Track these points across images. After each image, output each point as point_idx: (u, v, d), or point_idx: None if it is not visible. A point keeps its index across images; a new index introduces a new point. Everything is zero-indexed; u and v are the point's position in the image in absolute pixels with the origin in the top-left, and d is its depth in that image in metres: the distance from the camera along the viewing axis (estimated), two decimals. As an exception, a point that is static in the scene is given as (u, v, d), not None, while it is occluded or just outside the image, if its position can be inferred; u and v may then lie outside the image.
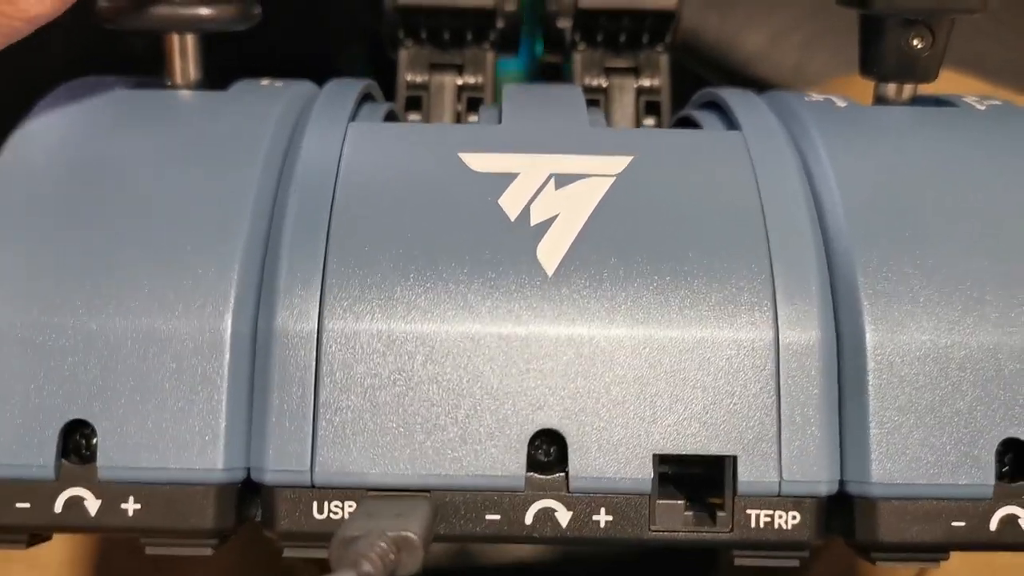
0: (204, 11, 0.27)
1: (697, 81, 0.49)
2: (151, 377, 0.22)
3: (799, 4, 0.47)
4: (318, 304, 0.23)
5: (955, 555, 0.39)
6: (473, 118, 0.36)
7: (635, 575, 0.49)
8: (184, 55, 0.28)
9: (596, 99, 0.36)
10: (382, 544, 0.18)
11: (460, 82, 0.36)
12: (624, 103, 0.36)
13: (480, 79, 0.36)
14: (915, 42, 0.27)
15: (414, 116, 0.36)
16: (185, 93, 0.28)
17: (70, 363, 0.22)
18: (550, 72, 0.43)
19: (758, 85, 0.49)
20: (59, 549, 0.39)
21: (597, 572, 0.49)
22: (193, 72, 0.28)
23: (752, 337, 0.23)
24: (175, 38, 0.28)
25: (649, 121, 0.36)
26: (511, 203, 0.24)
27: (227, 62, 0.31)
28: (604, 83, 0.36)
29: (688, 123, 0.30)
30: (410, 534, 0.19)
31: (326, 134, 0.25)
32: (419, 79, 0.36)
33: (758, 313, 0.23)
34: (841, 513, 0.23)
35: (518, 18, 0.37)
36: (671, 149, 0.26)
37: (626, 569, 0.49)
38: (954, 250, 0.23)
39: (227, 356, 0.22)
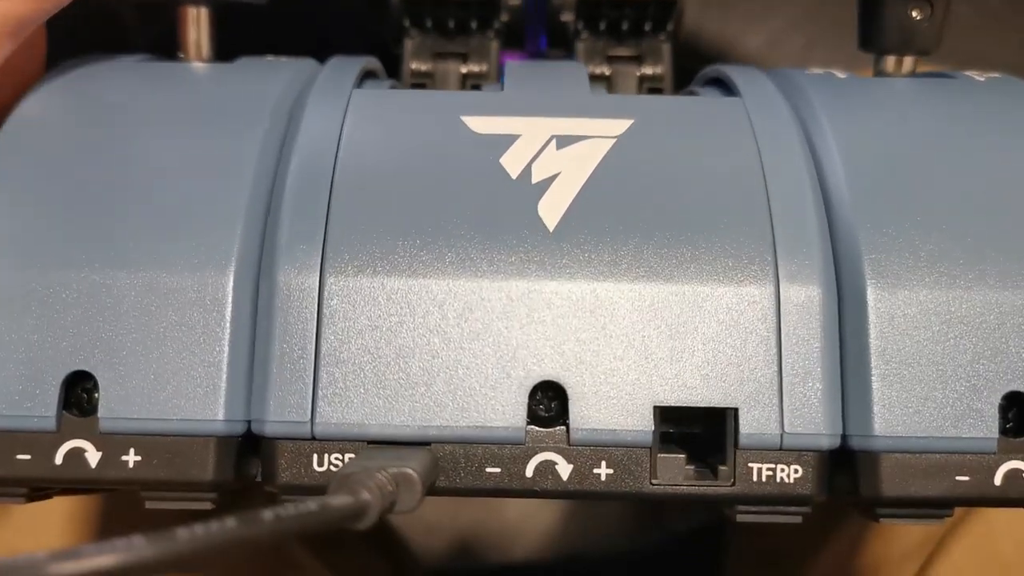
0: None
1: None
2: (153, 330, 0.22)
3: (799, 6, 0.47)
4: (320, 259, 0.23)
5: (959, 547, 0.39)
6: None
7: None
8: (199, 28, 0.28)
9: (599, 86, 0.37)
10: (381, 476, 0.18)
11: (465, 70, 0.37)
12: (627, 90, 0.36)
13: (484, 67, 0.37)
14: (914, 13, 0.28)
15: None
16: (190, 64, 0.28)
17: (73, 315, 0.22)
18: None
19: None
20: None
21: (602, 573, 0.48)
22: (206, 48, 0.29)
23: (753, 291, 0.23)
24: (191, 10, 0.28)
25: None
26: (512, 162, 0.24)
27: (223, 58, 0.31)
28: (607, 71, 0.37)
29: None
30: (409, 470, 0.19)
31: (330, 99, 0.26)
32: (424, 67, 0.37)
33: (759, 267, 0.23)
34: (844, 470, 0.23)
35: (522, 12, 0.38)
36: (672, 113, 0.26)
37: (632, 570, 0.48)
38: (954, 208, 0.23)
39: (229, 309, 0.22)
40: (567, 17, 0.37)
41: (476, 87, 0.37)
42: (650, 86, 0.37)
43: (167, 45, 0.32)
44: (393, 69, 0.37)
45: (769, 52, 0.47)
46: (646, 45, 0.37)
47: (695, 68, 0.47)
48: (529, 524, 0.47)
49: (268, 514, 0.15)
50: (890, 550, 0.39)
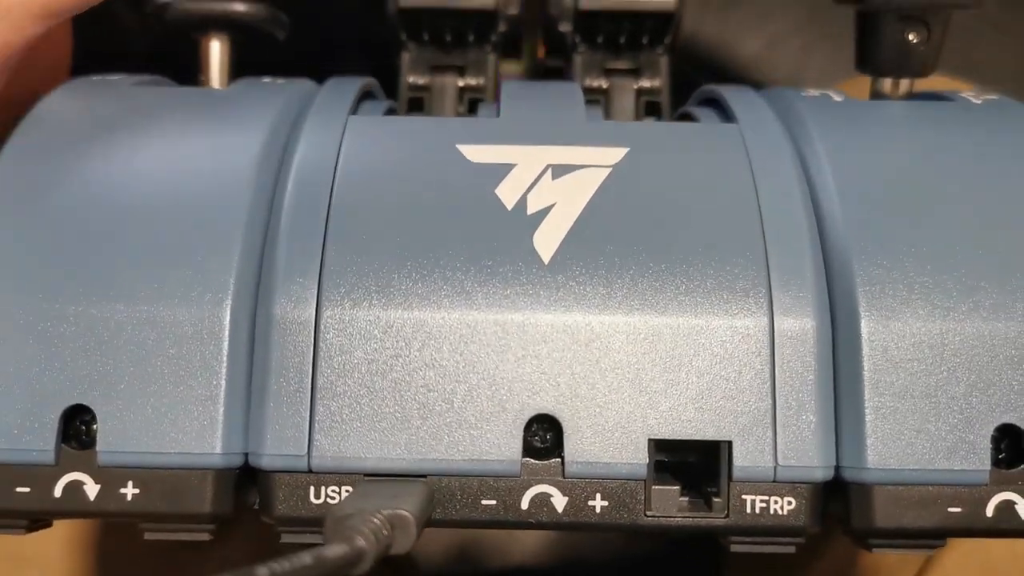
0: (238, 7, 0.28)
1: (697, 86, 0.49)
2: (150, 363, 0.22)
3: (797, 9, 0.47)
4: (316, 291, 0.23)
5: (953, 556, 0.39)
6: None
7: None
8: (222, 61, 0.30)
9: (596, 100, 0.37)
10: (376, 520, 0.18)
11: (462, 83, 0.37)
12: (624, 104, 0.36)
13: (482, 80, 0.37)
14: (911, 36, 0.28)
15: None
16: (187, 89, 0.28)
17: (71, 349, 0.22)
18: (552, 77, 0.44)
19: (756, 90, 0.49)
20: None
21: (601, 574, 0.49)
22: (225, 76, 0.30)
23: (747, 324, 0.23)
24: (215, 43, 0.29)
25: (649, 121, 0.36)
26: (508, 193, 0.24)
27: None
28: (604, 84, 0.37)
29: (687, 120, 0.30)
30: (404, 512, 0.19)
31: (326, 126, 0.26)
32: (421, 81, 0.37)
33: (753, 300, 0.23)
34: (838, 501, 0.23)
35: (520, 22, 0.38)
36: (667, 140, 0.26)
37: (630, 574, 0.49)
38: (949, 238, 0.24)
39: (226, 343, 0.22)
40: (564, 27, 0.37)
41: (473, 101, 0.37)
42: (648, 99, 0.37)
43: (166, 47, 0.33)
44: (391, 76, 0.37)
45: (768, 56, 0.46)
46: (644, 58, 0.37)
47: (693, 73, 0.47)
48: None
49: (263, 570, 0.15)
50: (886, 556, 0.39)
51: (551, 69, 0.42)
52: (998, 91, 0.45)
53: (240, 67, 0.32)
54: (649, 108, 0.37)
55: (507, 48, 0.38)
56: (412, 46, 0.37)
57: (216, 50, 0.31)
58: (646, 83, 0.37)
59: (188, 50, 0.33)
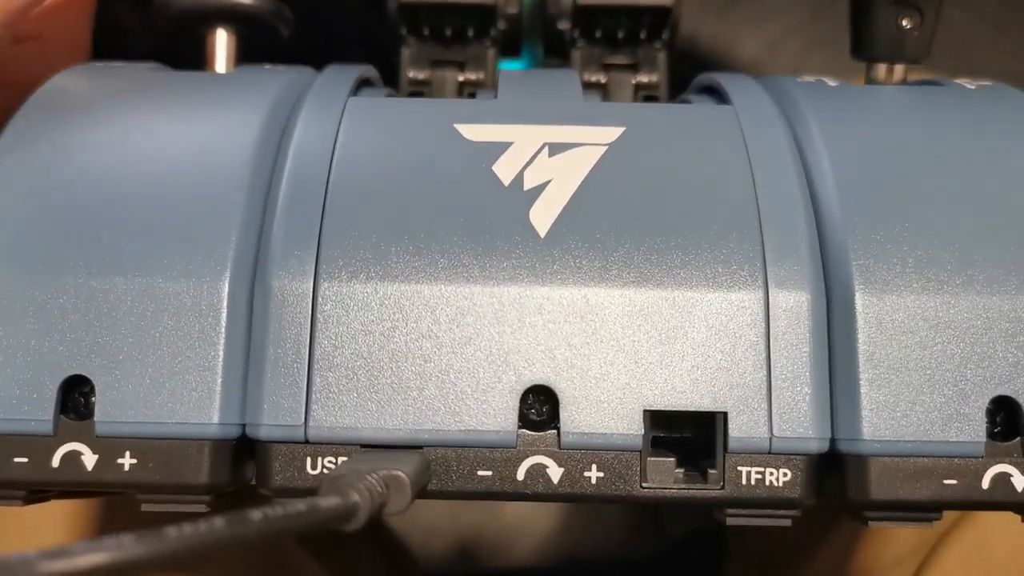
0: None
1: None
2: (149, 335, 0.23)
3: (796, 11, 0.48)
4: (314, 265, 0.23)
5: (953, 555, 0.39)
6: None
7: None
8: (229, 52, 0.30)
9: (594, 93, 0.37)
10: (371, 478, 0.18)
11: (462, 78, 0.37)
12: (622, 98, 0.37)
13: (482, 75, 0.37)
14: (904, 22, 0.28)
15: None
16: (187, 73, 0.29)
17: (70, 321, 0.23)
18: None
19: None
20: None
21: (602, 573, 0.48)
22: (231, 68, 0.30)
23: (742, 296, 0.23)
24: (221, 33, 0.30)
25: None
26: (505, 170, 0.24)
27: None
28: (603, 79, 0.37)
29: None
30: (399, 472, 0.19)
31: (325, 106, 0.26)
32: (421, 75, 0.37)
33: (748, 273, 0.23)
34: (834, 475, 0.23)
35: (519, 20, 0.38)
36: (663, 120, 0.26)
37: (630, 573, 0.48)
38: (942, 212, 0.24)
39: (224, 315, 0.23)
40: (563, 25, 0.38)
41: (473, 95, 0.37)
42: (646, 94, 0.37)
43: (166, 47, 0.33)
44: (390, 73, 0.38)
45: (767, 57, 0.47)
46: (642, 53, 0.37)
47: (693, 74, 0.47)
48: (528, 527, 0.47)
49: (257, 514, 0.15)
50: (883, 555, 0.39)
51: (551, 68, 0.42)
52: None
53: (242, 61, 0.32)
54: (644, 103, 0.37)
55: (507, 47, 0.39)
56: (412, 41, 0.37)
57: (222, 41, 0.31)
58: (644, 78, 0.37)
59: (188, 49, 0.33)
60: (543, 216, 0.24)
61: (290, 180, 0.24)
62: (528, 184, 0.24)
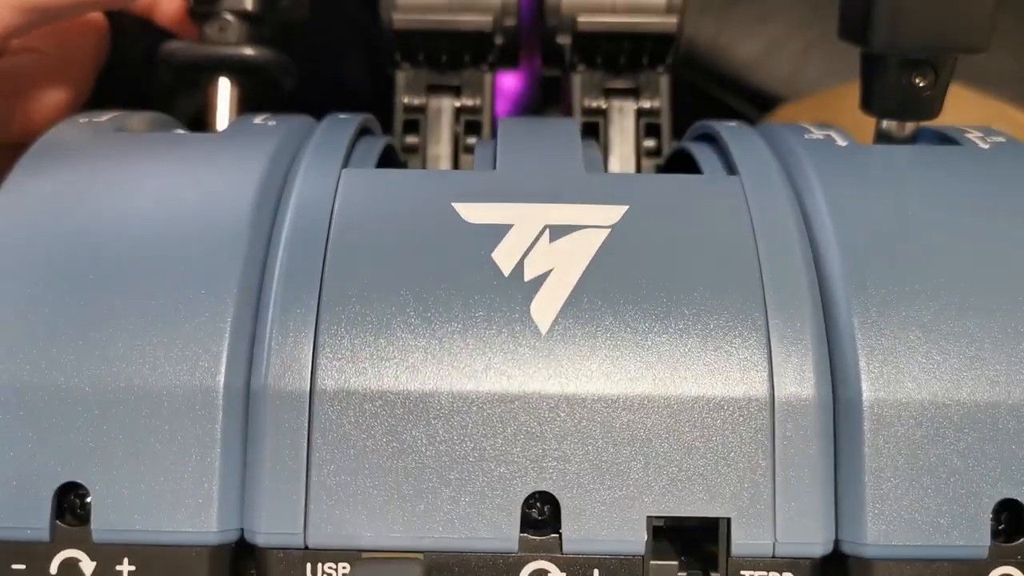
0: (251, 51, 0.29)
1: (695, 89, 0.48)
2: (144, 439, 0.22)
3: (794, 14, 0.46)
4: (310, 363, 0.22)
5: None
6: (471, 140, 0.36)
7: None
8: (232, 102, 0.30)
9: (595, 121, 0.36)
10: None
11: (458, 104, 0.36)
12: (624, 126, 0.36)
13: (478, 101, 0.36)
14: (917, 80, 0.27)
15: (412, 139, 0.36)
16: (179, 135, 0.28)
17: (63, 425, 0.22)
18: (549, 85, 0.43)
19: (754, 93, 0.48)
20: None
21: None
22: (230, 120, 0.30)
23: (747, 396, 0.22)
24: (223, 82, 0.29)
25: (649, 143, 0.36)
26: (505, 257, 0.24)
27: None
28: (604, 104, 0.36)
29: (685, 156, 0.30)
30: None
31: (318, 183, 0.25)
32: (416, 101, 0.36)
33: (753, 371, 0.23)
34: (836, 570, 0.23)
35: (517, 32, 0.37)
36: (667, 198, 0.25)
37: None
38: (952, 304, 0.23)
39: (220, 416, 0.22)
40: (563, 39, 0.37)
41: (469, 123, 0.36)
42: (647, 121, 0.36)
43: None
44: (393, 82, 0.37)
45: (766, 57, 0.46)
46: (644, 78, 0.36)
47: (690, 78, 0.46)
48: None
49: None
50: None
51: (548, 79, 0.41)
52: (997, 96, 0.44)
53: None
54: (648, 130, 0.36)
55: (504, 59, 0.38)
56: (407, 66, 0.36)
57: (224, 90, 0.31)
58: (646, 103, 0.36)
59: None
60: (544, 311, 0.23)
61: (284, 269, 0.23)
62: (529, 274, 0.23)
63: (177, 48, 0.31)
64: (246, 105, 0.31)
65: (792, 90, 0.46)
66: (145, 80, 0.34)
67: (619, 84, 0.36)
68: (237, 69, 0.30)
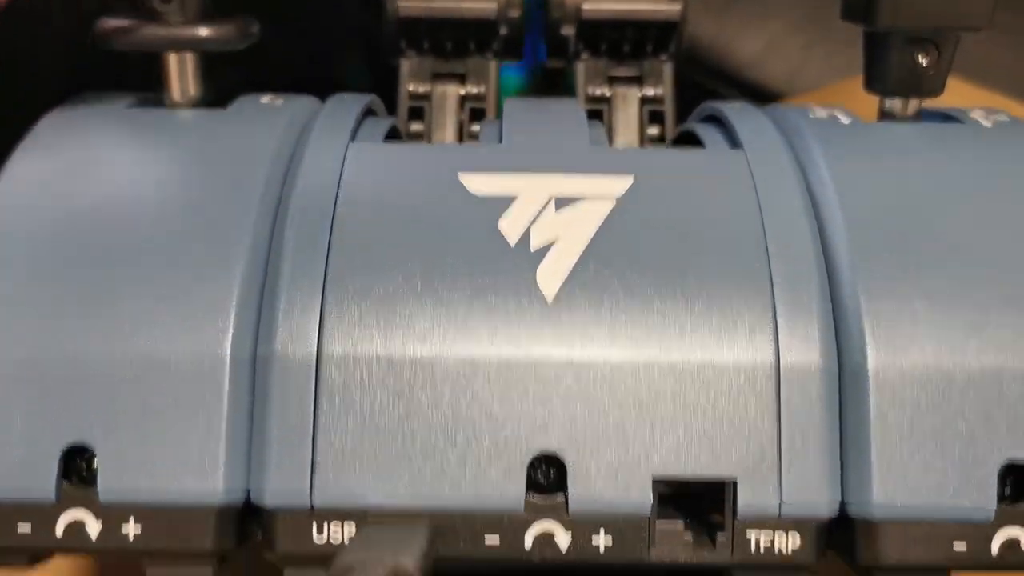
0: (203, 32, 0.26)
1: (696, 86, 0.48)
2: (151, 401, 0.22)
3: (797, 9, 0.47)
4: (317, 328, 0.23)
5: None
6: (475, 127, 0.36)
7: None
8: (183, 75, 0.28)
9: (599, 109, 0.36)
10: (379, 573, 0.18)
11: (463, 92, 0.36)
12: (628, 113, 0.36)
13: (483, 89, 0.36)
14: (920, 58, 0.27)
15: (416, 126, 0.36)
16: (184, 113, 0.28)
17: (70, 388, 0.22)
18: (552, 77, 0.43)
19: (755, 90, 0.49)
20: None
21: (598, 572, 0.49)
22: (193, 90, 0.28)
23: (753, 360, 0.23)
24: (173, 58, 0.28)
25: (653, 130, 0.36)
26: (511, 227, 0.24)
27: (225, 70, 0.31)
28: (607, 92, 0.36)
29: (690, 137, 0.30)
30: (406, 564, 0.19)
31: (325, 156, 0.25)
32: (421, 89, 0.36)
33: (759, 336, 0.23)
34: (842, 533, 0.23)
35: (522, 24, 0.37)
36: (672, 171, 0.25)
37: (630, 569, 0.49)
38: (957, 271, 0.23)
39: (226, 380, 0.22)
40: (567, 31, 0.37)
41: (474, 111, 0.36)
42: (651, 108, 0.36)
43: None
44: (393, 74, 0.37)
45: (768, 55, 0.46)
46: (647, 66, 0.36)
47: (692, 74, 0.46)
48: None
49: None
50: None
51: (553, 71, 0.41)
52: (1000, 92, 0.44)
53: (239, 72, 0.30)
54: (652, 117, 0.36)
55: (509, 50, 0.38)
56: (412, 54, 0.36)
57: (174, 64, 0.28)
58: (650, 91, 0.36)
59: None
60: (550, 279, 0.23)
61: (291, 240, 0.24)
62: (535, 243, 0.24)
63: (116, 29, 0.27)
64: (207, 71, 0.30)
65: (793, 87, 0.46)
66: (143, 83, 0.34)
67: (623, 72, 0.36)
68: (192, 49, 0.28)
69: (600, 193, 0.24)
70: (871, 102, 0.29)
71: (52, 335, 0.22)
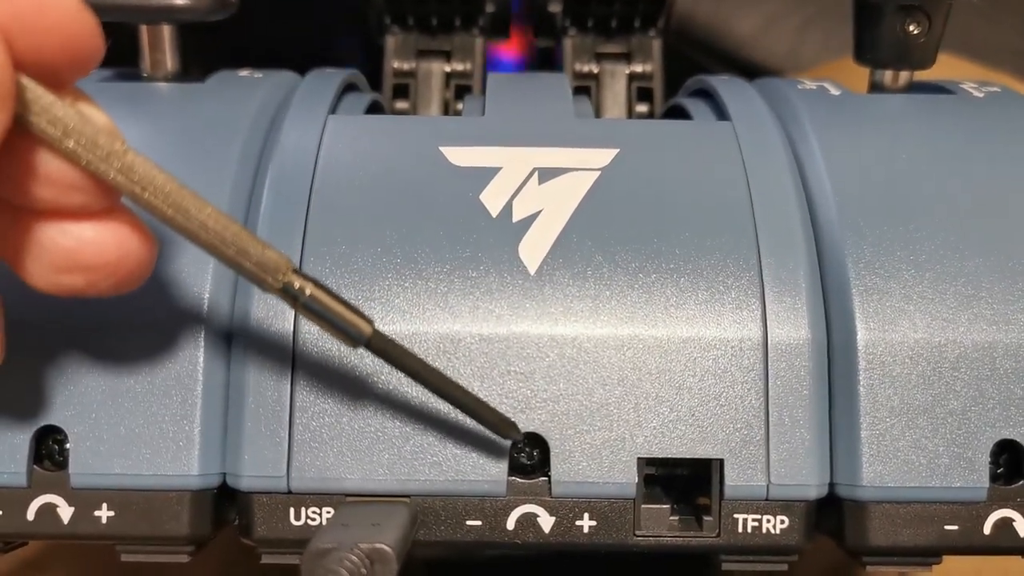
0: (177, 1, 0.26)
1: (691, 65, 0.48)
2: (123, 381, 0.22)
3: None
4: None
5: (946, 557, 0.39)
6: (461, 104, 0.36)
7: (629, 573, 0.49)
8: (158, 46, 0.27)
9: (587, 86, 0.36)
10: (354, 557, 0.18)
11: (448, 69, 0.36)
12: (616, 90, 0.35)
13: (468, 66, 0.36)
14: (911, 28, 0.26)
15: (401, 104, 0.35)
16: (161, 85, 0.27)
17: (40, 369, 0.22)
18: (541, 57, 0.43)
19: (752, 69, 0.48)
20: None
21: (589, 569, 0.48)
22: (169, 63, 0.27)
23: (740, 336, 0.22)
24: (148, 29, 0.27)
25: (641, 108, 0.36)
26: (493, 199, 0.23)
27: (211, 49, 0.30)
28: (595, 69, 0.36)
29: (679, 112, 0.29)
30: (384, 546, 0.18)
31: (304, 127, 0.25)
32: (406, 66, 0.36)
33: (746, 311, 0.22)
34: (831, 514, 0.22)
35: (508, 2, 0.37)
36: (658, 142, 0.25)
37: (628, 565, 0.48)
38: (948, 245, 0.23)
39: (201, 358, 0.22)
40: (554, 8, 0.36)
41: (460, 87, 0.36)
42: (639, 85, 0.36)
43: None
44: (380, 61, 0.36)
45: (764, 34, 0.45)
46: (635, 42, 0.36)
47: (689, 53, 0.46)
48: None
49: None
50: None
51: (541, 50, 0.41)
52: (996, 69, 0.44)
53: (226, 52, 0.30)
54: (641, 94, 0.36)
55: (496, 29, 0.37)
56: (397, 30, 0.36)
57: (144, 35, 0.27)
58: (638, 68, 0.36)
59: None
60: (533, 251, 0.23)
61: (269, 213, 0.23)
62: (517, 215, 0.23)
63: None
64: (184, 40, 0.29)
65: (790, 65, 0.46)
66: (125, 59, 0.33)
67: (611, 48, 0.36)
68: (168, 20, 0.27)
69: (584, 164, 0.24)
70: (866, 81, 0.28)
71: (21, 312, 0.22)
